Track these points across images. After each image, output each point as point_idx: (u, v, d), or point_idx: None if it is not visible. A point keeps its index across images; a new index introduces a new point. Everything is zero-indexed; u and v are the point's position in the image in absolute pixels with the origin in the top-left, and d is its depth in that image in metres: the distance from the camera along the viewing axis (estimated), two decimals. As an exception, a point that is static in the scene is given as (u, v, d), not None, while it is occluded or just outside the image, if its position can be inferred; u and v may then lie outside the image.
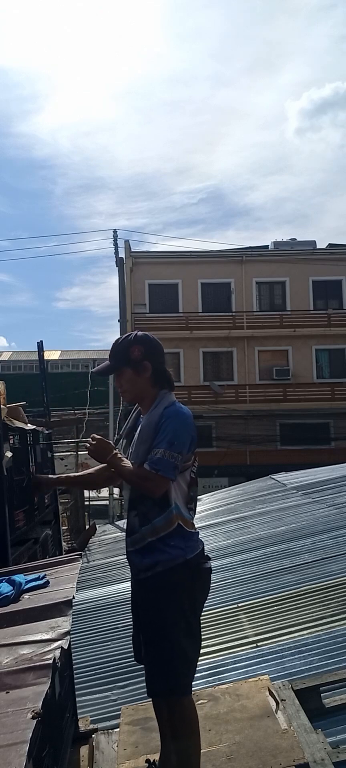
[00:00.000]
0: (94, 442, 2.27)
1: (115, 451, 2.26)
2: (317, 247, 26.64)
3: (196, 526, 2.30)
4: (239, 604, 4.02)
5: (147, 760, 2.35)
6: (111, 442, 2.37)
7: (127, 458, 2.30)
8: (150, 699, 2.36)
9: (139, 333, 2.40)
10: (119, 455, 2.26)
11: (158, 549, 2.16)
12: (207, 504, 8.88)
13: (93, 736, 2.69)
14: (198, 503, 2.53)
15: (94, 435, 2.32)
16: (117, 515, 17.89)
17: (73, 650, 3.06)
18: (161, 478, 2.11)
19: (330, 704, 2.61)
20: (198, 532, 2.28)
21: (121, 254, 24.90)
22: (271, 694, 2.67)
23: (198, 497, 2.58)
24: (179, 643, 2.12)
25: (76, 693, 2.89)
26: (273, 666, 3.09)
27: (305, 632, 3.44)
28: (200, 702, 2.63)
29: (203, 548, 2.26)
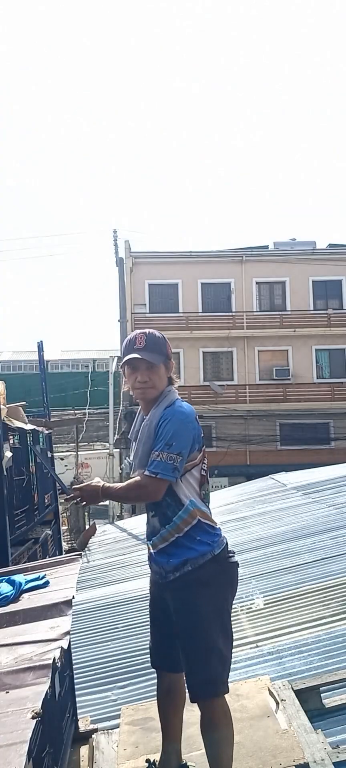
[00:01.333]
0: (79, 494, 2.21)
1: (101, 485, 2.21)
2: (317, 247, 26.63)
3: None
4: (239, 604, 4.02)
5: (147, 760, 2.35)
6: (97, 481, 2.26)
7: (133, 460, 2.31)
8: (150, 699, 2.37)
9: (160, 334, 2.40)
10: (106, 485, 2.23)
11: (185, 546, 2.15)
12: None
13: (93, 736, 2.69)
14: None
15: (74, 486, 2.33)
16: (117, 515, 17.91)
17: (73, 650, 3.06)
18: (160, 480, 2.10)
19: (330, 704, 2.61)
20: (220, 528, 2.27)
21: (121, 254, 24.91)
22: (271, 694, 2.67)
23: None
24: (217, 642, 2.12)
25: (76, 693, 2.89)
26: (273, 666, 3.09)
27: (305, 632, 3.44)
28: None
29: (227, 543, 2.25)
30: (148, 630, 2.43)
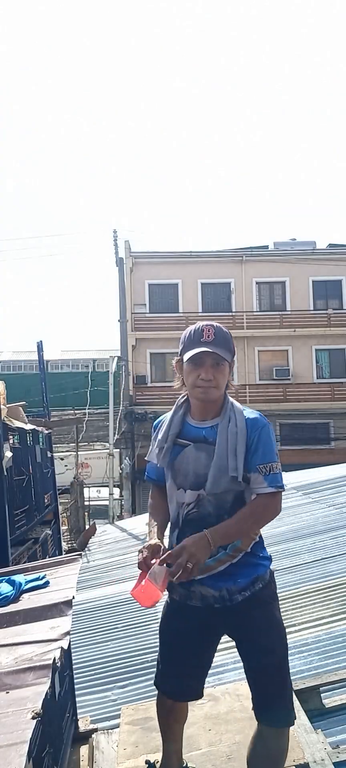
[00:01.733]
0: (189, 564, 1.84)
1: (207, 536, 1.88)
2: (317, 247, 26.63)
3: None
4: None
5: (147, 761, 2.33)
6: (202, 538, 1.87)
7: (170, 465, 2.04)
8: (150, 699, 2.35)
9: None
10: (211, 531, 1.89)
11: (252, 564, 2.00)
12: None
13: (93, 736, 2.69)
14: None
15: (173, 552, 1.90)
16: (117, 515, 17.91)
17: (73, 650, 3.06)
18: (279, 494, 1.96)
19: (330, 704, 2.61)
20: None
21: (121, 254, 24.91)
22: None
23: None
24: (287, 660, 2.04)
25: (76, 693, 2.89)
26: (273, 666, 3.09)
27: (305, 632, 3.44)
28: (199, 702, 2.63)
29: None
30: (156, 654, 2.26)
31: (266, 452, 1.94)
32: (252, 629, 2.00)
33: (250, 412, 2.04)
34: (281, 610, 3.82)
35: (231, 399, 2.08)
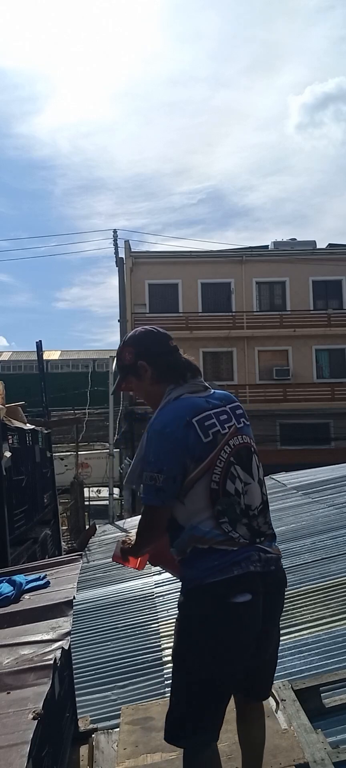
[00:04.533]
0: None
1: (128, 542, 2.03)
2: (317, 247, 26.64)
3: None
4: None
5: None
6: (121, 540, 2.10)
7: None
8: (150, 699, 2.35)
9: (132, 332, 2.11)
10: (130, 538, 2.04)
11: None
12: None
13: (93, 735, 2.69)
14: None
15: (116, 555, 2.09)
16: (117, 515, 17.90)
17: (73, 650, 3.07)
18: (146, 507, 1.84)
19: (330, 704, 2.61)
20: (238, 551, 1.78)
21: (121, 254, 24.93)
22: (271, 694, 2.66)
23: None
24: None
25: (76, 693, 2.89)
26: (273, 666, 3.09)
27: (305, 632, 3.44)
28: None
29: (243, 574, 1.75)
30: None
31: (145, 461, 1.83)
32: (278, 616, 1.94)
33: (160, 412, 1.87)
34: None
35: (168, 395, 1.90)
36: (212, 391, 1.97)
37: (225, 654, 1.75)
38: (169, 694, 1.97)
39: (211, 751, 1.80)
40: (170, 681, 1.92)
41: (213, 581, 1.73)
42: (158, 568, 3.87)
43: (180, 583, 1.90)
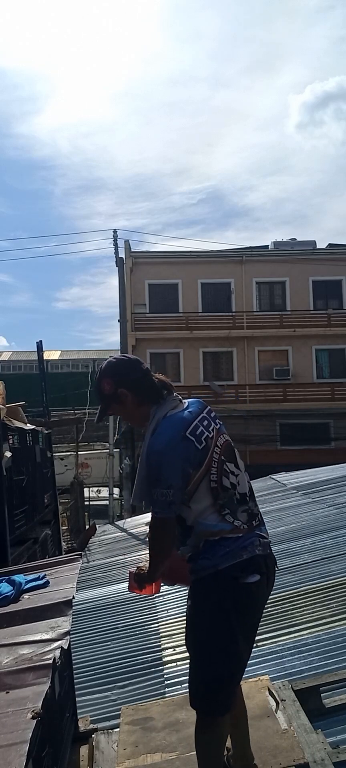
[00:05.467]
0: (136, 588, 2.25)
1: (142, 568, 2.23)
2: (317, 247, 26.64)
3: None
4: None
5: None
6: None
7: None
8: (150, 699, 2.35)
9: (106, 363, 2.26)
10: (143, 565, 2.23)
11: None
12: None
13: (93, 736, 2.69)
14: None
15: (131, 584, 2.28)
16: (117, 515, 17.90)
17: (73, 650, 3.06)
18: (159, 519, 2.03)
19: (330, 704, 2.61)
20: (243, 537, 2.01)
21: (121, 254, 24.92)
22: (271, 694, 2.66)
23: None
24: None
25: (76, 693, 2.89)
26: (273, 666, 3.09)
27: (305, 632, 3.44)
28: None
29: (251, 557, 1.98)
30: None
31: (151, 479, 2.01)
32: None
33: (153, 437, 2.05)
34: (281, 610, 3.83)
35: (155, 414, 2.09)
36: (187, 403, 2.16)
37: (242, 628, 1.98)
38: (187, 682, 2.17)
39: (227, 719, 2.06)
40: (189, 665, 2.10)
41: (227, 566, 1.94)
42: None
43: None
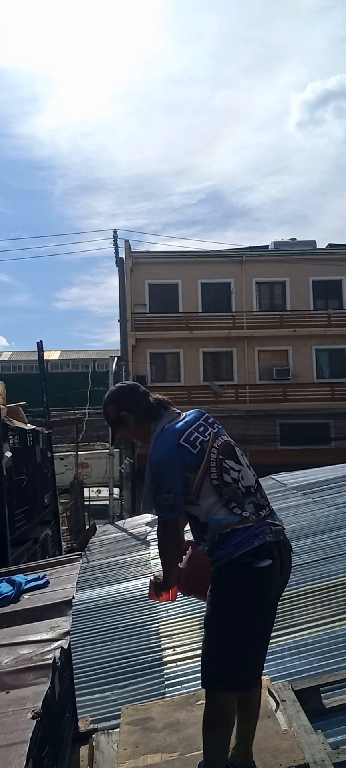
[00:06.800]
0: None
1: (158, 577, 2.42)
2: (317, 247, 26.64)
3: None
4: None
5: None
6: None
7: None
8: (150, 699, 2.35)
9: (108, 391, 2.53)
10: (159, 574, 2.43)
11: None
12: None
13: (93, 736, 2.69)
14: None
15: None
16: (117, 515, 17.90)
17: (73, 650, 3.06)
18: (164, 523, 2.23)
19: (330, 705, 2.61)
20: (254, 526, 2.13)
21: (121, 254, 24.92)
22: (271, 694, 2.66)
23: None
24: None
25: (76, 693, 2.89)
26: (273, 666, 3.09)
27: (305, 632, 3.44)
28: (200, 702, 2.62)
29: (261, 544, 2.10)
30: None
31: (154, 488, 2.19)
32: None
33: (151, 452, 2.24)
34: (281, 610, 3.83)
35: (155, 429, 2.30)
36: (185, 414, 2.36)
37: (255, 609, 2.10)
38: (187, 682, 2.34)
39: (231, 703, 2.15)
40: (203, 643, 2.18)
41: (240, 553, 2.08)
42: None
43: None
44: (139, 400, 2.37)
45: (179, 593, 2.47)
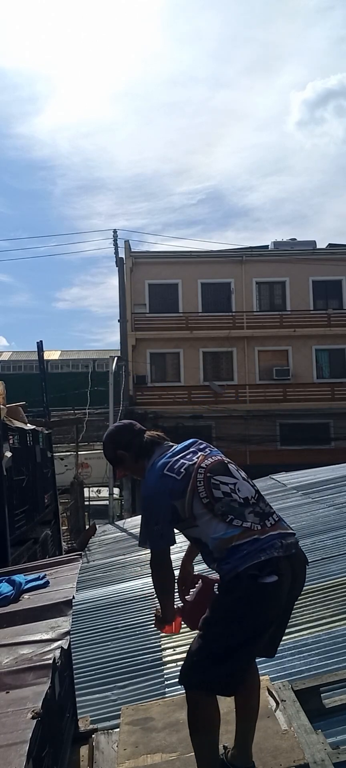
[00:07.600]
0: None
1: (158, 612, 2.46)
2: (317, 247, 26.64)
3: None
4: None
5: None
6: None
7: None
8: (150, 699, 2.36)
9: (107, 432, 2.63)
10: (158, 610, 2.46)
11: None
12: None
13: (93, 736, 2.69)
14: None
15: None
16: (117, 515, 17.89)
17: (73, 650, 3.06)
18: (155, 553, 2.29)
19: (330, 705, 2.61)
20: (263, 539, 2.08)
21: (121, 254, 24.91)
22: (271, 694, 2.66)
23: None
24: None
25: (76, 693, 2.89)
26: (273, 666, 3.08)
27: (305, 632, 3.44)
28: (200, 702, 2.62)
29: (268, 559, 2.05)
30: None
31: (145, 520, 2.30)
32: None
33: (143, 483, 2.34)
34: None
35: (146, 468, 2.37)
36: (175, 446, 2.43)
37: (251, 624, 2.05)
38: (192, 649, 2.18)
39: (212, 704, 2.11)
40: (192, 646, 2.16)
41: (245, 567, 2.04)
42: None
43: None
44: (134, 439, 2.46)
45: (183, 624, 2.47)
